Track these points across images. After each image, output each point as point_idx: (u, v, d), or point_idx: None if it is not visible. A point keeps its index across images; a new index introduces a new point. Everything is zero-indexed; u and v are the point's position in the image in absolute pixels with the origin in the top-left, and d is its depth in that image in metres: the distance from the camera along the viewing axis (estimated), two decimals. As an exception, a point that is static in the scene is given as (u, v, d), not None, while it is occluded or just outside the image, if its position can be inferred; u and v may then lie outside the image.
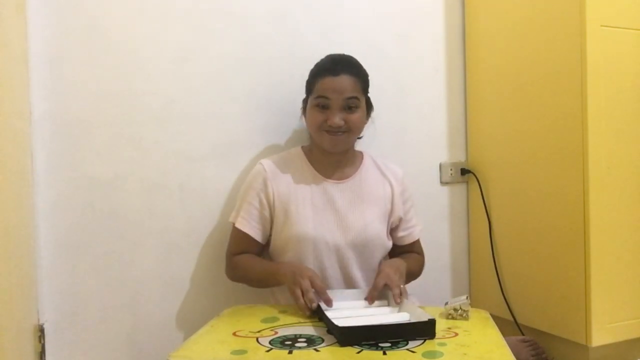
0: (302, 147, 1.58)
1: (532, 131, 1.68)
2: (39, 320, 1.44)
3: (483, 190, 1.88)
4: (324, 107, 1.43)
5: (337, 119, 1.42)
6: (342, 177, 1.52)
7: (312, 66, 1.67)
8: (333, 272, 1.46)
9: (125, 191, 1.54)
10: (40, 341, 1.43)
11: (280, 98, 1.71)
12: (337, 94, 1.41)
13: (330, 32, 1.77)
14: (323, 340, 1.09)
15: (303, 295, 1.27)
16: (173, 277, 1.59)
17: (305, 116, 1.52)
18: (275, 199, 1.47)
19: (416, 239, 1.61)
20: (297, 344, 1.07)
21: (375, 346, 1.06)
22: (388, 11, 1.86)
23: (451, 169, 1.96)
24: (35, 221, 1.44)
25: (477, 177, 1.90)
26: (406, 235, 1.59)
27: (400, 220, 1.57)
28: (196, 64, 1.61)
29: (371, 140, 1.70)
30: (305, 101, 1.53)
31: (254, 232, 1.48)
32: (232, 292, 1.65)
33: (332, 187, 1.50)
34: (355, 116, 1.45)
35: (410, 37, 1.90)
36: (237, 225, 1.48)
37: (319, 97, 1.43)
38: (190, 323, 1.60)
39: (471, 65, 1.95)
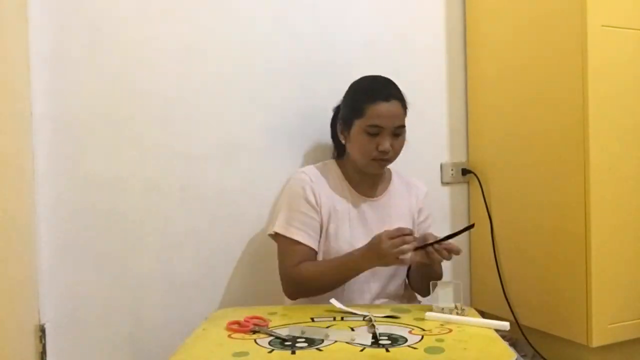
0: (337, 161, 1.57)
1: (533, 131, 1.68)
2: (39, 320, 1.45)
3: (484, 190, 1.88)
4: (374, 134, 1.42)
5: (387, 145, 1.42)
6: (374, 195, 1.53)
7: (312, 66, 1.68)
8: (364, 285, 1.45)
9: (126, 191, 1.54)
10: (41, 341, 1.44)
11: (281, 98, 1.71)
12: (390, 121, 1.42)
13: (331, 32, 1.77)
14: (322, 341, 1.08)
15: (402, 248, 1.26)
16: (174, 277, 1.59)
17: (344, 136, 1.49)
18: (322, 206, 1.46)
19: None
20: (298, 344, 1.07)
21: (376, 344, 1.06)
22: (389, 11, 1.86)
23: (452, 169, 1.96)
24: (36, 221, 1.44)
25: (478, 177, 1.90)
26: None
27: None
28: (197, 64, 1.61)
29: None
30: (346, 122, 1.48)
31: (313, 242, 1.44)
32: (232, 293, 1.65)
33: (365, 204, 1.51)
34: (401, 142, 1.46)
35: (411, 37, 1.90)
36: (295, 237, 1.43)
37: (371, 125, 1.41)
38: (190, 323, 1.59)
39: (472, 65, 1.95)
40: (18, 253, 1.30)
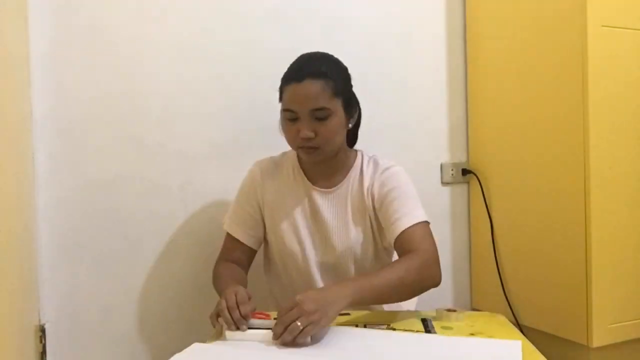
0: None
1: (533, 131, 1.68)
2: (40, 320, 1.45)
3: (484, 190, 1.88)
4: (293, 119, 1.27)
5: (306, 132, 1.24)
6: (330, 185, 1.37)
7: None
8: (323, 285, 1.36)
9: (126, 192, 1.54)
10: (41, 341, 1.44)
11: (281, 98, 1.71)
12: (303, 104, 1.24)
13: (331, 32, 1.77)
14: None
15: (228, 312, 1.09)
16: (174, 277, 1.59)
17: (281, 127, 1.35)
18: (264, 203, 1.39)
19: (398, 232, 1.26)
20: None
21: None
22: (389, 11, 1.86)
23: (452, 169, 1.95)
24: (36, 222, 1.44)
25: (478, 177, 1.90)
26: (389, 233, 1.29)
27: (387, 216, 1.31)
28: (197, 64, 1.61)
29: (372, 140, 1.70)
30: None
31: (243, 236, 1.40)
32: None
33: (319, 197, 1.37)
34: (326, 127, 1.25)
35: (411, 37, 1.90)
36: (227, 229, 1.41)
37: (285, 110, 1.27)
38: (190, 324, 1.60)
39: (472, 65, 1.95)
40: (18, 253, 1.30)
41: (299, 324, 1.00)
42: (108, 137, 1.52)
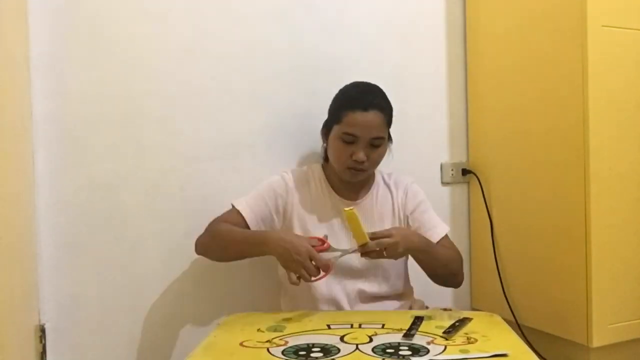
0: (322, 164, 1.57)
1: (533, 131, 1.68)
2: (40, 320, 1.45)
3: (484, 190, 1.88)
4: (350, 142, 1.40)
5: (362, 155, 1.40)
6: (357, 198, 1.51)
7: (312, 66, 1.68)
8: (349, 289, 1.44)
9: (126, 192, 1.54)
10: (41, 341, 1.44)
11: (281, 99, 1.71)
12: (366, 131, 1.39)
13: (331, 32, 1.77)
14: (339, 350, 1.05)
15: (308, 274, 1.24)
16: (174, 278, 1.59)
17: (326, 140, 1.50)
18: (293, 212, 1.47)
19: (437, 240, 1.50)
20: (312, 354, 1.03)
21: (396, 355, 1.02)
22: (389, 11, 1.86)
23: (452, 169, 1.95)
24: (36, 222, 1.44)
25: (478, 177, 1.90)
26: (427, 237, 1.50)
27: (418, 224, 1.52)
28: (197, 65, 1.61)
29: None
30: (327, 126, 1.49)
31: (252, 219, 1.44)
32: (233, 293, 1.65)
33: (346, 207, 1.45)
34: (378, 153, 1.44)
35: (411, 37, 1.90)
36: (238, 206, 1.45)
37: (346, 133, 1.40)
38: (190, 324, 1.60)
39: (472, 66, 1.95)
40: (18, 253, 1.30)
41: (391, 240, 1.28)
42: (108, 137, 1.52)
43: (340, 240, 1.44)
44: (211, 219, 1.61)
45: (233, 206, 1.47)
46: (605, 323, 1.51)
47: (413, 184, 1.57)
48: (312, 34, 1.74)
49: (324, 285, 1.41)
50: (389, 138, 1.50)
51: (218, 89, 1.63)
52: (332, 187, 1.52)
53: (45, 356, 1.45)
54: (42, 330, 1.44)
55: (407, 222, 1.52)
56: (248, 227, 1.44)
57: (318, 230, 1.45)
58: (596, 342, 1.50)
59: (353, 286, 1.44)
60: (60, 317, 1.47)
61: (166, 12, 1.57)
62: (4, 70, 1.25)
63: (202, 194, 1.61)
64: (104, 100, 1.51)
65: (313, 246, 1.28)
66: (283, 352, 1.05)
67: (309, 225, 1.46)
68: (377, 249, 1.28)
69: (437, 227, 1.53)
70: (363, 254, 1.30)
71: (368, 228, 1.38)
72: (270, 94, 1.70)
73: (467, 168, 1.96)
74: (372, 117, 1.40)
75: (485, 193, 1.88)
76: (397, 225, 1.51)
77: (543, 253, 1.66)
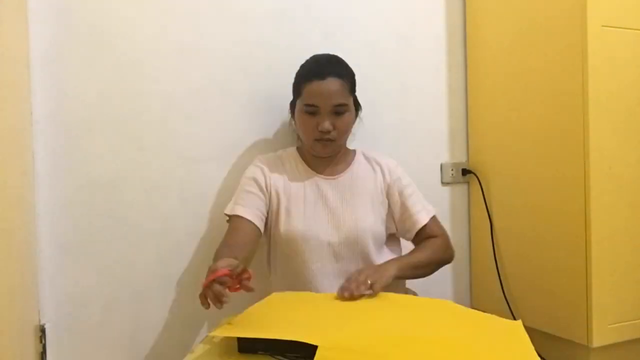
0: (297, 147, 1.58)
1: (533, 131, 1.68)
2: (40, 320, 1.45)
3: (484, 190, 1.88)
4: (313, 113, 1.42)
5: (327, 124, 1.40)
6: (334, 173, 1.51)
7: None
8: (330, 268, 1.44)
9: (126, 192, 1.54)
10: (41, 341, 1.44)
11: (281, 98, 1.70)
12: (326, 100, 1.40)
13: (331, 32, 1.77)
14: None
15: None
16: (174, 277, 1.59)
17: (293, 119, 1.52)
18: (272, 190, 1.47)
19: (423, 223, 1.51)
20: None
21: None
22: (389, 11, 1.86)
23: (452, 170, 1.96)
24: (36, 222, 1.44)
25: (478, 177, 1.90)
26: (412, 223, 1.52)
27: (403, 209, 1.52)
28: (197, 65, 1.61)
29: (372, 140, 1.70)
30: (292, 104, 1.51)
31: (254, 217, 1.42)
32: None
33: (324, 183, 1.49)
34: (344, 120, 1.44)
35: (411, 37, 1.90)
36: (235, 212, 1.42)
37: (308, 104, 1.42)
38: (190, 324, 1.60)
39: (472, 66, 1.95)
40: (18, 253, 1.30)
41: (368, 280, 1.25)
42: (108, 137, 1.52)
43: (314, 214, 1.45)
44: (211, 219, 1.62)
45: (228, 216, 1.45)
46: (605, 323, 1.51)
47: (397, 166, 1.56)
48: (312, 34, 1.74)
49: (319, 270, 1.42)
50: (357, 106, 1.50)
51: (218, 89, 1.63)
52: (308, 165, 1.52)
53: (45, 356, 1.45)
54: (42, 330, 1.44)
55: (388, 205, 1.52)
56: (253, 226, 1.42)
57: (293, 206, 1.45)
58: (596, 342, 1.50)
59: (332, 267, 1.44)
60: (60, 317, 1.47)
61: (166, 12, 1.57)
62: (4, 70, 1.25)
63: (202, 194, 1.61)
64: (104, 100, 1.51)
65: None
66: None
67: (284, 202, 1.46)
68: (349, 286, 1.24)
69: (421, 211, 1.52)
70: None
71: (347, 203, 1.46)
72: (270, 94, 1.70)
73: (467, 168, 1.96)
74: (330, 84, 1.40)
75: (485, 193, 1.88)
76: (375, 200, 1.50)
77: (543, 253, 1.66)
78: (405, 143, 1.88)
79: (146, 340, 1.56)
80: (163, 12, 1.57)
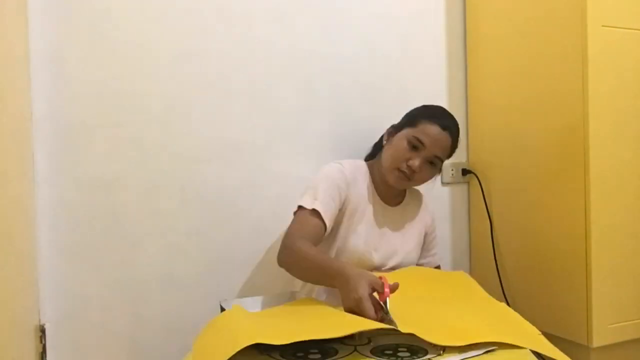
0: (367, 162, 1.59)
1: (533, 131, 1.68)
2: (39, 320, 1.45)
3: (484, 190, 1.88)
4: (414, 147, 1.44)
5: (418, 163, 1.43)
6: (392, 203, 1.56)
7: (312, 66, 1.68)
8: None
9: (126, 192, 1.54)
10: (41, 341, 1.43)
11: (281, 98, 1.71)
12: (433, 145, 1.43)
13: (331, 32, 1.77)
14: (337, 351, 1.04)
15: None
16: (174, 277, 1.59)
17: (387, 140, 1.52)
18: (348, 206, 1.47)
19: (435, 265, 1.66)
20: (310, 355, 1.02)
21: (394, 357, 1.02)
22: (389, 12, 1.86)
23: (452, 169, 1.95)
24: (36, 222, 1.44)
25: (478, 177, 1.90)
26: (426, 262, 1.63)
27: (426, 247, 1.64)
28: (197, 65, 1.61)
29: (372, 140, 1.70)
30: (396, 128, 1.52)
31: (328, 219, 1.40)
32: (232, 293, 1.65)
33: (383, 209, 1.54)
34: (430, 171, 1.48)
35: (411, 38, 1.90)
36: (317, 207, 1.38)
37: (416, 138, 1.43)
38: (190, 324, 1.60)
39: (472, 66, 1.95)
40: (18, 253, 1.30)
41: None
42: (108, 137, 1.52)
43: (372, 238, 1.49)
44: (211, 219, 1.62)
45: (304, 208, 1.40)
46: (605, 323, 1.51)
47: (429, 203, 1.67)
48: (312, 34, 1.74)
49: None
50: (441, 169, 1.54)
51: (218, 89, 1.63)
52: (374, 186, 1.55)
53: (45, 356, 1.45)
54: (42, 330, 1.44)
55: (425, 240, 1.63)
56: (324, 228, 1.40)
57: (361, 222, 1.48)
58: (596, 342, 1.50)
59: None
60: (60, 317, 1.47)
61: (166, 12, 1.57)
62: (4, 70, 1.25)
63: (202, 194, 1.61)
64: (104, 100, 1.51)
65: (375, 290, 1.16)
66: (281, 353, 1.04)
67: (355, 217, 1.48)
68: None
69: (436, 255, 1.68)
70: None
71: (400, 234, 1.55)
72: (270, 94, 1.70)
73: (467, 168, 1.96)
74: (444, 136, 1.45)
75: (485, 193, 1.88)
76: (420, 234, 1.61)
77: (543, 253, 1.66)
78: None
79: (146, 340, 1.56)
80: (163, 12, 1.57)
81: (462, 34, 1.98)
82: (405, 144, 1.44)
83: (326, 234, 1.42)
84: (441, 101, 1.95)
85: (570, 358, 1.11)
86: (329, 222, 1.40)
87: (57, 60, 1.46)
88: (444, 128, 1.45)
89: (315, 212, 1.39)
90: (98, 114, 1.51)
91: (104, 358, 1.52)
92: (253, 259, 1.67)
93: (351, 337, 1.09)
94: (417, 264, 1.60)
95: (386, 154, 1.49)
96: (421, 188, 1.64)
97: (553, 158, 1.61)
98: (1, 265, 1.17)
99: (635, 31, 1.54)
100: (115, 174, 1.53)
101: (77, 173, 1.49)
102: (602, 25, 1.49)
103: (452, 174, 1.95)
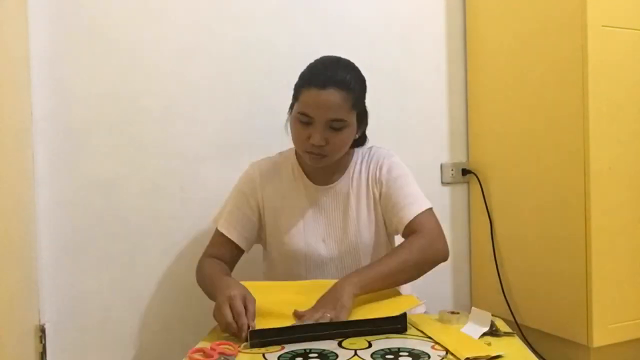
0: (296, 151, 1.44)
1: (533, 131, 1.68)
2: (40, 320, 1.45)
3: (484, 190, 1.88)
4: (307, 123, 1.26)
5: (318, 138, 1.25)
6: (331, 181, 1.40)
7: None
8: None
9: (126, 192, 1.54)
10: (41, 341, 1.44)
11: (281, 98, 1.70)
12: (322, 112, 1.24)
13: (331, 32, 1.77)
14: (337, 356, 1.03)
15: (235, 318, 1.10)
16: (173, 278, 1.59)
17: (289, 125, 1.36)
18: (265, 207, 1.40)
19: (407, 220, 1.33)
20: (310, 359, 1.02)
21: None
22: (389, 11, 1.86)
23: (452, 169, 1.95)
24: (36, 222, 1.44)
25: (478, 177, 1.90)
26: (398, 219, 1.35)
27: (391, 204, 1.37)
28: (197, 65, 1.61)
29: (372, 140, 1.70)
30: (291, 107, 1.35)
31: (237, 237, 1.38)
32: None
33: (321, 193, 1.40)
34: (339, 137, 1.28)
35: (411, 38, 1.90)
36: (220, 229, 1.39)
37: (301, 113, 1.26)
38: (190, 324, 1.60)
39: (472, 66, 1.95)
40: (18, 253, 1.30)
41: (328, 315, 1.10)
42: (108, 137, 1.52)
43: (313, 229, 1.38)
44: (211, 219, 1.62)
45: (217, 229, 1.41)
46: (605, 323, 1.51)
47: (393, 157, 1.41)
48: (312, 34, 1.74)
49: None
50: (362, 120, 1.35)
51: (218, 89, 1.63)
52: (305, 172, 1.40)
53: (45, 356, 1.45)
54: (42, 330, 1.44)
55: (381, 202, 1.38)
56: (238, 248, 1.39)
57: (291, 222, 1.38)
58: (596, 342, 1.50)
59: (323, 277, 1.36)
60: (60, 317, 1.47)
61: (166, 12, 1.57)
62: (4, 70, 1.25)
63: (202, 194, 1.61)
64: (104, 100, 1.51)
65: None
66: (279, 358, 1.03)
67: (281, 218, 1.39)
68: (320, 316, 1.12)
69: (413, 203, 1.34)
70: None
71: (347, 214, 1.37)
72: (270, 94, 1.70)
73: (467, 168, 1.96)
74: (329, 96, 1.23)
75: (485, 193, 1.88)
76: (371, 204, 1.39)
77: (543, 253, 1.66)
78: (405, 143, 1.87)
79: (146, 340, 1.56)
80: (163, 12, 1.57)
81: (462, 34, 1.98)
82: (297, 124, 1.28)
83: (246, 243, 1.40)
84: (441, 101, 1.95)
85: (570, 358, 1.10)
86: (238, 238, 1.38)
87: (57, 60, 1.47)
88: (323, 87, 1.22)
89: (221, 233, 1.39)
90: (98, 114, 1.51)
91: (104, 358, 1.53)
92: (253, 258, 1.67)
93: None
94: (388, 233, 1.42)
95: (292, 139, 1.33)
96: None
97: (553, 158, 1.61)
98: (1, 265, 1.17)
99: (635, 31, 1.53)
100: (115, 174, 1.53)
101: (77, 173, 1.49)
102: (602, 25, 1.49)
103: (452, 174, 1.95)
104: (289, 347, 1.08)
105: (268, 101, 1.69)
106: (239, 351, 1.05)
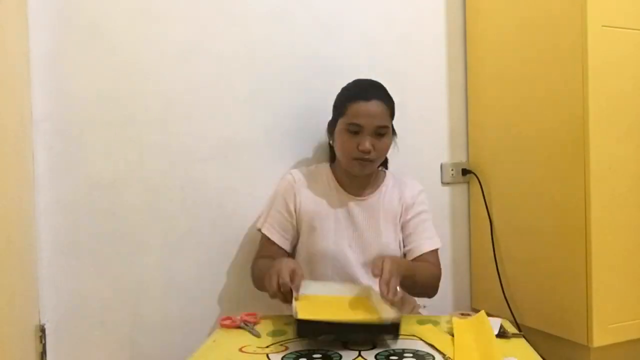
0: (330, 164, 1.60)
1: (533, 131, 1.68)
2: (40, 320, 1.45)
3: (484, 190, 1.88)
4: (355, 132, 1.43)
5: (368, 144, 1.42)
6: (364, 194, 1.54)
7: (312, 66, 1.67)
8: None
9: (126, 192, 1.54)
10: (41, 341, 1.44)
11: (281, 98, 1.71)
12: (370, 120, 1.42)
13: (331, 32, 1.77)
14: (341, 356, 1.04)
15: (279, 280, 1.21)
16: (174, 277, 1.59)
17: (331, 137, 1.53)
18: (301, 210, 1.51)
19: (422, 252, 1.52)
20: None
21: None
22: (389, 12, 1.86)
23: (452, 169, 1.95)
24: (36, 222, 1.44)
25: (478, 177, 1.90)
26: (411, 248, 1.53)
27: (411, 231, 1.54)
28: (197, 64, 1.61)
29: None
30: (332, 123, 1.52)
31: (279, 239, 1.51)
32: (234, 294, 1.65)
33: (353, 203, 1.52)
34: (384, 143, 1.46)
35: (411, 38, 1.90)
36: (264, 231, 1.52)
37: (351, 124, 1.43)
38: (191, 324, 1.60)
39: (472, 66, 1.95)
40: (18, 253, 1.30)
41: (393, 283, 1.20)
42: (108, 137, 1.52)
43: (342, 234, 1.49)
44: (211, 219, 1.62)
45: (262, 232, 1.53)
46: (605, 323, 1.51)
47: (422, 192, 1.59)
48: (312, 34, 1.74)
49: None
50: (393, 131, 1.52)
51: (218, 89, 1.63)
52: (340, 184, 1.54)
53: (45, 356, 1.45)
54: (42, 330, 1.44)
55: (400, 229, 1.54)
56: (282, 248, 1.51)
57: (324, 223, 1.49)
58: (596, 342, 1.50)
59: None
60: (60, 317, 1.47)
61: (166, 12, 1.57)
62: (4, 70, 1.25)
63: (202, 194, 1.61)
64: (104, 100, 1.51)
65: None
66: (283, 359, 1.04)
67: (315, 220, 1.49)
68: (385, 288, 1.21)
69: (430, 239, 1.54)
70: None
71: (374, 226, 1.50)
72: (270, 94, 1.70)
73: (467, 168, 1.96)
74: (374, 106, 1.43)
75: (485, 193, 1.88)
76: (397, 223, 1.54)
77: (543, 253, 1.66)
78: (405, 143, 1.87)
79: (146, 340, 1.56)
80: (163, 12, 1.57)
81: (462, 34, 1.98)
82: (346, 135, 1.44)
83: (288, 244, 1.52)
84: (441, 101, 1.95)
85: (570, 358, 1.10)
86: (282, 241, 1.51)
87: (57, 60, 1.47)
88: (368, 99, 1.43)
89: (266, 237, 1.52)
90: (98, 114, 1.51)
91: (104, 358, 1.52)
92: (252, 258, 1.67)
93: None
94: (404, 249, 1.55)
95: (338, 151, 1.50)
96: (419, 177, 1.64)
97: (553, 158, 1.61)
98: (1, 265, 1.17)
99: (635, 31, 1.53)
100: (115, 174, 1.53)
101: (77, 173, 1.49)
102: (602, 25, 1.49)
103: (452, 174, 1.96)
104: (293, 347, 1.09)
105: (268, 101, 1.69)
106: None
